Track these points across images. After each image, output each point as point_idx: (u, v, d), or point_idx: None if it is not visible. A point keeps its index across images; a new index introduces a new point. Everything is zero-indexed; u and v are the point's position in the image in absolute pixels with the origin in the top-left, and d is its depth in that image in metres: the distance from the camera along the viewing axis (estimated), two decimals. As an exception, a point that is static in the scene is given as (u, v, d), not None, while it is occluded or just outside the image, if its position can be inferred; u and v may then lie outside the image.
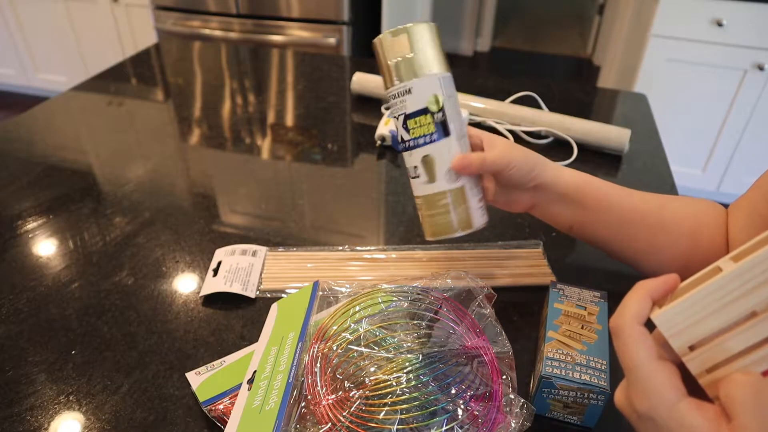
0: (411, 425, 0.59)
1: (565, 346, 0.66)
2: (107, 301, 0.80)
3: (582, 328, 0.69)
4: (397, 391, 0.61)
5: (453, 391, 0.62)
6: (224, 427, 0.62)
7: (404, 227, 0.97)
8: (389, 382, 0.62)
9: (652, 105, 1.46)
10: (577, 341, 0.67)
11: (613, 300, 0.70)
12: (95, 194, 1.03)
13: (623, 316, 0.45)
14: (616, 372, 0.45)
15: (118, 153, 1.18)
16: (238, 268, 0.84)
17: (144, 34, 3.37)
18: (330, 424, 0.59)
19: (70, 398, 0.67)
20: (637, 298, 0.45)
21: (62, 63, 3.72)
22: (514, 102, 1.40)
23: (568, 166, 1.14)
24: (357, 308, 0.70)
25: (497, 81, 1.56)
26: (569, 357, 0.65)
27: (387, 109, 1.35)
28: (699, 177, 2.92)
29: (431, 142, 0.73)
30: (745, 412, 0.38)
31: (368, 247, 0.91)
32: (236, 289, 0.81)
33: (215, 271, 0.84)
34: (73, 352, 0.73)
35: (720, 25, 2.53)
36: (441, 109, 0.73)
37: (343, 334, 0.67)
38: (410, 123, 0.73)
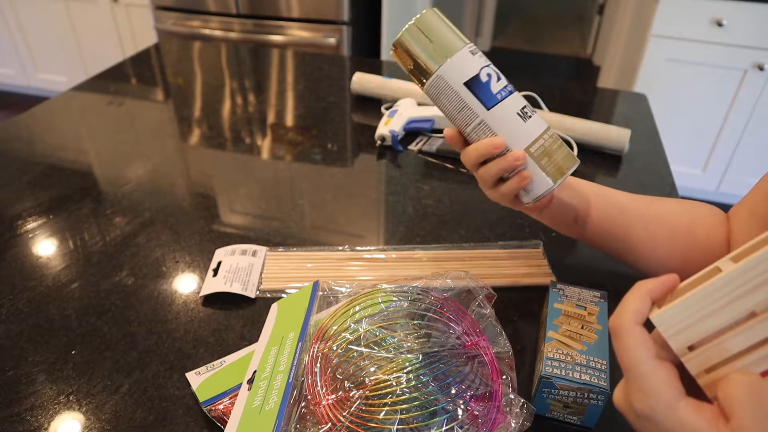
0: (411, 425, 0.59)
1: (565, 346, 0.66)
2: (107, 301, 0.81)
3: (582, 328, 0.69)
4: (397, 391, 0.61)
5: (453, 391, 0.62)
6: (224, 427, 0.62)
7: (404, 227, 0.97)
8: (389, 382, 0.62)
9: (652, 105, 1.46)
10: (577, 341, 0.67)
11: (613, 300, 0.70)
12: (95, 194, 1.03)
13: (622, 315, 0.45)
14: (616, 372, 0.45)
15: (118, 153, 1.18)
16: (238, 268, 0.84)
17: (144, 34, 3.37)
18: (330, 424, 0.59)
19: (70, 398, 0.67)
20: (636, 298, 0.45)
21: (62, 63, 3.72)
22: None
23: None
24: (357, 308, 0.71)
25: None
26: (569, 357, 0.65)
27: (387, 109, 1.35)
28: (699, 177, 2.92)
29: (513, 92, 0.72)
30: (743, 413, 0.38)
31: (368, 247, 0.91)
32: (236, 289, 0.81)
33: (215, 271, 0.84)
34: (73, 352, 0.73)
35: (720, 25, 2.53)
36: None
37: (343, 334, 0.67)
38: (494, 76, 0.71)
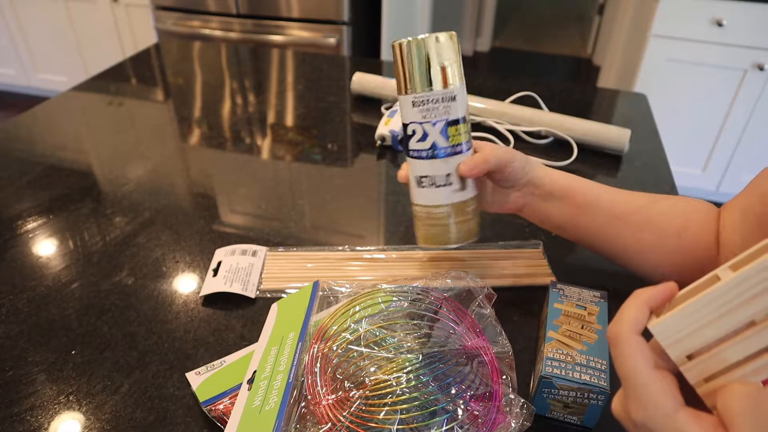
0: (411, 425, 0.59)
1: (565, 346, 0.66)
2: (107, 301, 0.81)
3: (582, 328, 0.69)
4: (397, 391, 0.61)
5: (453, 391, 0.62)
6: (224, 427, 0.62)
7: (404, 227, 0.97)
8: (389, 382, 0.62)
9: (652, 105, 1.46)
10: (577, 341, 0.67)
11: (613, 300, 0.70)
12: (95, 194, 1.03)
13: (620, 324, 0.45)
14: (616, 372, 0.45)
15: (118, 153, 1.18)
16: (238, 268, 0.85)
17: (144, 34, 3.38)
18: (330, 424, 0.59)
19: (70, 398, 0.67)
20: (634, 307, 0.45)
21: (62, 63, 3.73)
22: (514, 102, 1.40)
23: (568, 166, 1.16)
24: (357, 308, 0.71)
25: (497, 81, 1.57)
26: (569, 357, 0.65)
27: (387, 109, 1.35)
28: (699, 177, 2.92)
29: (467, 150, 0.74)
30: (742, 423, 0.38)
31: (368, 247, 0.91)
32: (236, 289, 0.81)
33: (215, 271, 0.85)
34: (73, 352, 0.73)
35: (720, 25, 2.54)
36: (468, 120, 0.74)
37: (343, 334, 0.67)
38: (451, 130, 0.72)
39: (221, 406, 0.65)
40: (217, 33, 2.91)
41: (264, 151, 1.20)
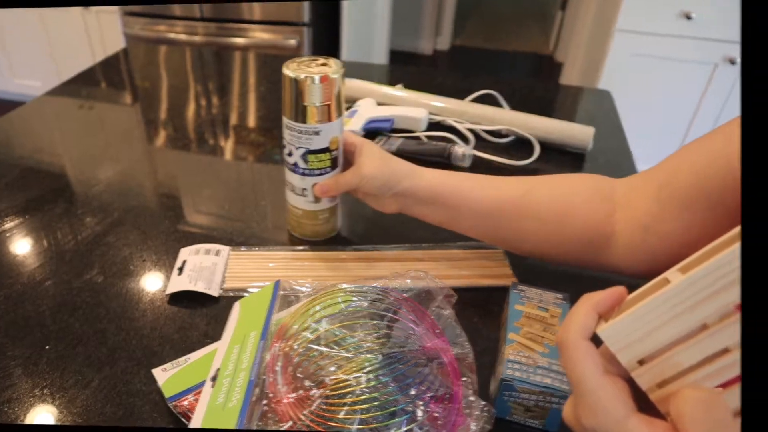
0: (371, 425, 0.60)
1: (526, 348, 0.65)
2: (78, 298, 0.83)
3: (544, 330, 0.68)
4: (357, 391, 0.62)
5: (413, 392, 0.62)
6: (189, 422, 0.63)
7: (363, 227, 1.00)
8: (349, 382, 0.62)
9: (617, 101, 1.47)
10: (538, 344, 0.66)
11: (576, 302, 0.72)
12: (68, 195, 1.06)
13: (568, 330, 0.44)
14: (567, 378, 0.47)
15: (89, 155, 1.21)
16: (202, 267, 0.87)
17: (113, 39, 3.39)
18: (291, 422, 0.60)
19: (44, 391, 0.69)
20: (582, 312, 0.44)
21: (37, 68, 3.76)
22: (474, 101, 1.41)
23: (529, 164, 1.17)
24: (317, 308, 0.72)
25: (457, 80, 1.58)
26: (531, 360, 0.64)
27: (347, 109, 1.39)
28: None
29: (324, 173, 0.86)
30: (695, 429, 0.37)
31: (329, 247, 0.94)
32: (200, 287, 0.83)
33: (180, 270, 0.86)
34: (47, 347, 0.75)
35: (689, 18, 2.49)
36: (337, 148, 0.86)
37: (304, 333, 0.68)
38: (310, 157, 0.85)
39: (186, 402, 0.66)
40: (182, 37, 2.94)
41: (227, 152, 1.23)
